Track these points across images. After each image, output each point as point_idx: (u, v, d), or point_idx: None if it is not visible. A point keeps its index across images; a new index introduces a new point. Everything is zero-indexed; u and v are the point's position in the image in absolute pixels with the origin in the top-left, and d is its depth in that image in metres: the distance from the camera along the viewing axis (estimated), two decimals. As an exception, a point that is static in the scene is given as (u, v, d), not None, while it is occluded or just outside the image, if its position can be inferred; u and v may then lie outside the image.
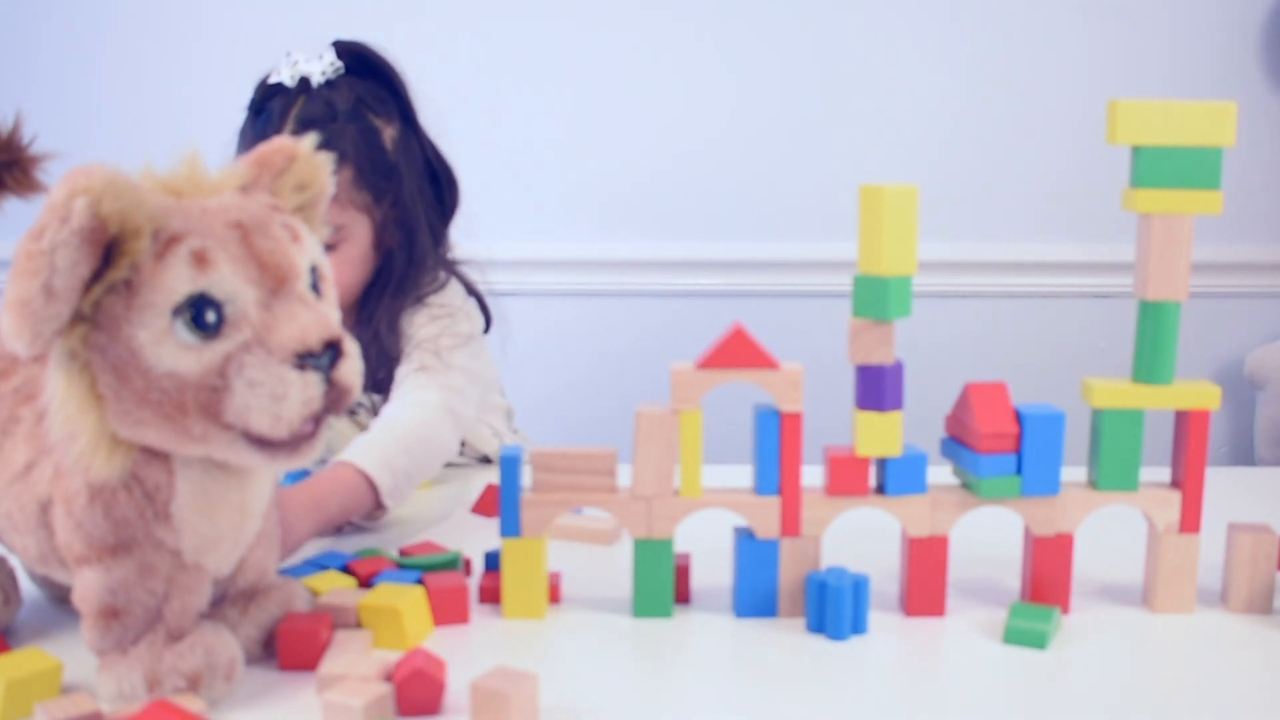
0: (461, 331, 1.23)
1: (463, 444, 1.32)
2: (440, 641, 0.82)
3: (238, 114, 1.27)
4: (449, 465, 1.31)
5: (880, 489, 0.86)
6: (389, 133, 1.22)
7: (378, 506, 1.03)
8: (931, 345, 2.08)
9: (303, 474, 1.12)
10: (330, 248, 1.17)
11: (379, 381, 1.22)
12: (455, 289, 1.28)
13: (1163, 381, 0.86)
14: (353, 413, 1.29)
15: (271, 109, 1.18)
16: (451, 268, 1.30)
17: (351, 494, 1.01)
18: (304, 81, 1.19)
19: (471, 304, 1.30)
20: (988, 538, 0.95)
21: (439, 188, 1.29)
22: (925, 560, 0.86)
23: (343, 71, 1.21)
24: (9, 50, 2.15)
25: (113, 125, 2.10)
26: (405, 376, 1.19)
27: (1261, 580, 0.88)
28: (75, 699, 0.69)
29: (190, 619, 0.74)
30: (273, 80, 1.20)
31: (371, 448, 1.04)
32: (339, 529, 1.06)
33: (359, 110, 1.20)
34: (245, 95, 1.26)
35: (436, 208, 1.29)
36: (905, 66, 2.12)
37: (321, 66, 1.19)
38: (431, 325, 1.22)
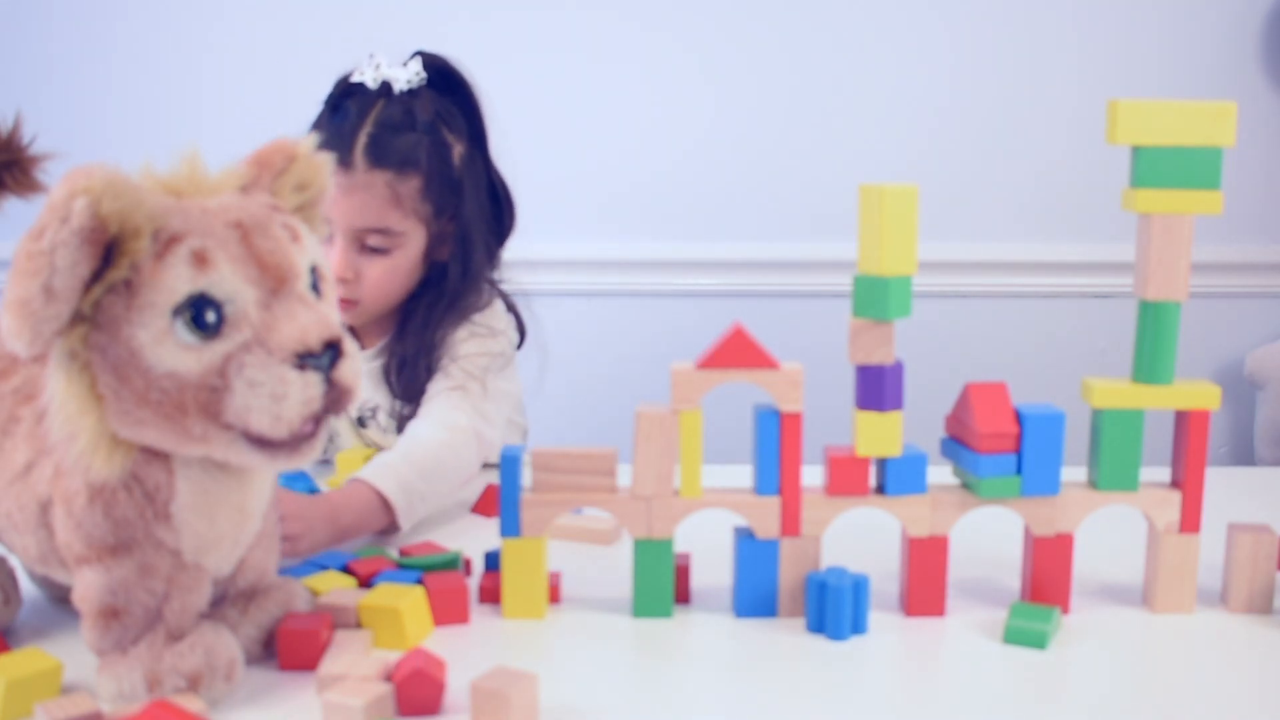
0: (499, 352, 1.24)
1: None
2: (440, 641, 0.82)
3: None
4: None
5: (880, 489, 0.86)
6: (458, 150, 1.23)
7: (393, 525, 1.03)
8: (931, 345, 2.08)
9: (301, 475, 1.12)
10: (384, 252, 1.19)
11: (408, 389, 1.23)
12: (498, 308, 1.29)
13: (1163, 381, 0.86)
14: (362, 424, 1.29)
15: (349, 107, 1.19)
16: (496, 285, 1.31)
17: (367, 512, 1.02)
18: (385, 85, 1.20)
19: (510, 322, 1.30)
20: (988, 538, 0.95)
21: (498, 209, 1.30)
22: (925, 560, 0.86)
23: (425, 83, 1.22)
24: (9, 50, 2.15)
25: (113, 125, 2.10)
26: (438, 393, 1.19)
27: (1261, 580, 0.88)
28: (75, 699, 0.69)
29: (190, 619, 0.74)
30: (354, 79, 1.21)
31: (392, 469, 1.04)
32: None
33: (435, 124, 1.21)
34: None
35: (494, 229, 1.29)
36: (906, 66, 2.12)
37: (407, 75, 1.21)
38: (471, 342, 1.23)
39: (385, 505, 1.02)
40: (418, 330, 1.23)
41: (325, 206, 0.78)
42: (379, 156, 1.17)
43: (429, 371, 1.22)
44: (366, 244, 1.19)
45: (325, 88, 1.25)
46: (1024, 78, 2.12)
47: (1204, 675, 0.79)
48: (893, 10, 2.10)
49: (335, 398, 0.68)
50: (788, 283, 2.16)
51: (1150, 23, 2.10)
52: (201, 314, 0.66)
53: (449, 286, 1.24)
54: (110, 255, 0.65)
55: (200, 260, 0.66)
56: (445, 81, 1.24)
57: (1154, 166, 0.83)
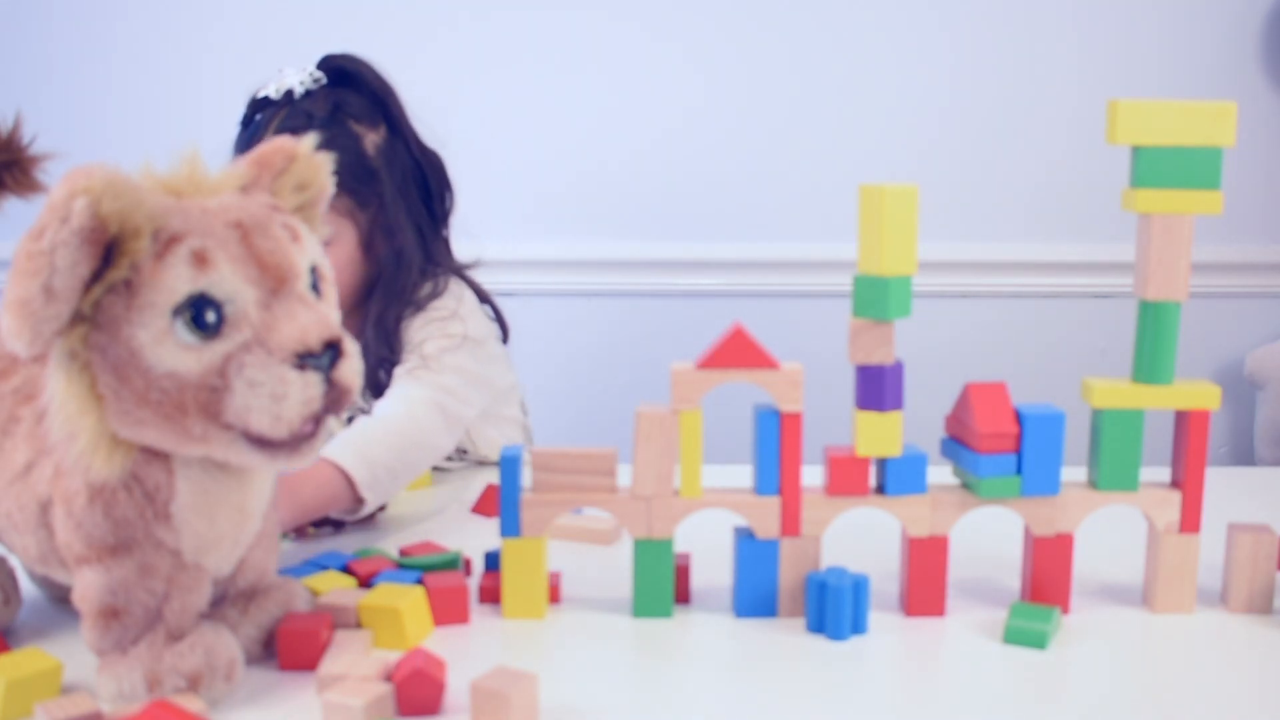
0: (455, 333, 1.24)
1: (464, 450, 1.32)
2: (440, 641, 0.82)
3: (239, 114, 1.28)
4: (450, 466, 1.31)
5: (880, 489, 0.86)
6: (371, 138, 1.26)
7: (357, 500, 1.03)
8: (931, 345, 2.08)
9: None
10: None
11: (377, 386, 1.23)
12: (456, 293, 1.29)
13: (1163, 381, 0.86)
14: (350, 419, 1.29)
15: (258, 122, 1.23)
16: (458, 272, 1.31)
17: (325, 485, 1.01)
18: (288, 94, 1.24)
19: (472, 308, 1.30)
20: (988, 538, 0.95)
21: (428, 192, 1.31)
22: (925, 560, 0.86)
23: (324, 83, 1.25)
24: (9, 50, 2.15)
25: (113, 125, 2.10)
26: (396, 378, 1.20)
27: (1261, 580, 0.88)
28: (75, 699, 0.69)
29: (190, 619, 0.74)
30: (260, 94, 1.25)
31: (347, 442, 1.05)
32: (324, 524, 1.05)
33: (336, 117, 1.24)
34: (247, 96, 1.27)
35: (426, 212, 1.30)
36: (906, 66, 2.12)
37: (300, 78, 1.25)
38: (427, 328, 1.24)
39: (346, 478, 1.02)
40: (375, 324, 1.25)
41: (325, 206, 0.79)
42: None
43: (392, 365, 1.23)
44: None
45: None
46: (1024, 78, 2.12)
47: (1204, 675, 0.79)
48: (893, 10, 2.10)
49: (335, 398, 0.68)
50: (788, 283, 2.16)
51: (1150, 23, 2.10)
52: (201, 314, 0.66)
53: (386, 273, 1.25)
54: (110, 255, 0.65)
55: (200, 260, 0.66)
56: (345, 77, 1.27)
57: (1154, 166, 0.83)
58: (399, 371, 1.21)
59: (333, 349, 0.68)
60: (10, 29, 2.14)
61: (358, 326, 1.27)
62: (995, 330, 2.19)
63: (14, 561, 0.85)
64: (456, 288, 1.30)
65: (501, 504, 0.85)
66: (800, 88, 2.12)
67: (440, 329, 1.24)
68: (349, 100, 1.26)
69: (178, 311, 0.66)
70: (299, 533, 1.04)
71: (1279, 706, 0.75)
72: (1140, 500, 0.87)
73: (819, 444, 0.89)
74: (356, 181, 1.23)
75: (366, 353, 1.22)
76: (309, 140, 0.77)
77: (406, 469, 1.09)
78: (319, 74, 1.26)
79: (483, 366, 1.26)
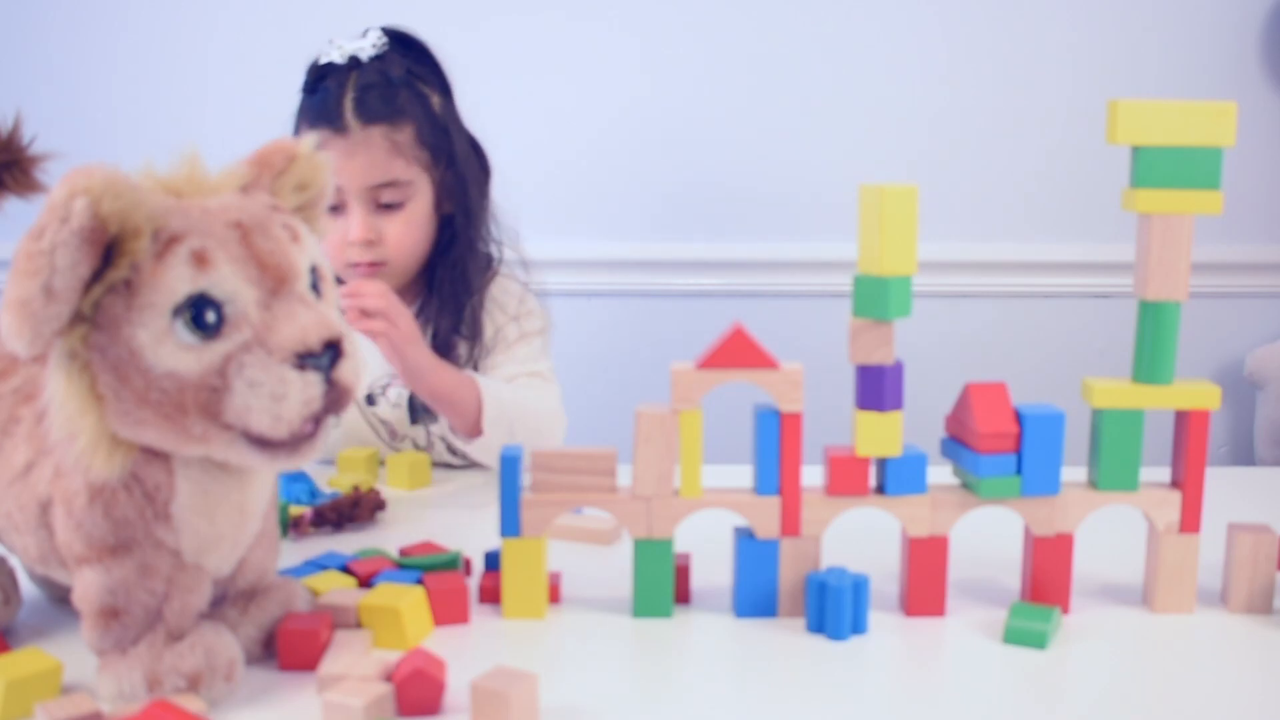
0: (533, 329, 1.36)
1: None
2: (440, 641, 0.82)
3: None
4: (449, 465, 1.31)
5: (880, 489, 0.86)
6: (435, 100, 1.32)
7: (475, 427, 1.16)
8: (931, 345, 2.08)
9: (301, 475, 1.12)
10: (398, 207, 1.27)
11: (439, 348, 1.29)
12: (519, 290, 1.39)
13: (1163, 381, 0.86)
14: (371, 402, 1.33)
15: (327, 85, 1.27)
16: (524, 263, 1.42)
17: (464, 388, 1.17)
18: (354, 58, 1.28)
19: (537, 302, 1.40)
20: (988, 538, 0.95)
21: (480, 168, 1.38)
22: (925, 560, 0.86)
23: (388, 48, 1.30)
24: (9, 50, 2.15)
25: (113, 125, 2.10)
26: (514, 378, 1.29)
27: (1261, 580, 0.88)
28: (75, 699, 0.69)
29: (190, 619, 0.74)
30: (324, 60, 1.29)
31: (493, 383, 1.19)
32: (323, 524, 1.05)
33: (409, 78, 1.29)
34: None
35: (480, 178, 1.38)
36: (905, 66, 2.12)
37: (369, 43, 1.30)
38: (507, 327, 1.34)
39: (479, 403, 1.15)
40: (444, 288, 1.31)
41: (325, 205, 0.79)
42: (369, 114, 1.25)
43: (456, 329, 1.31)
44: (381, 202, 1.26)
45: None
46: (1023, 77, 2.12)
47: (1204, 675, 0.79)
48: (893, 10, 2.10)
49: (335, 398, 0.68)
50: (788, 283, 2.16)
51: (1150, 23, 2.10)
52: (201, 314, 0.66)
53: (458, 231, 1.32)
54: (110, 255, 0.65)
55: (200, 260, 0.66)
56: (406, 45, 1.32)
57: (1154, 166, 0.83)
58: (508, 373, 1.29)
59: (333, 349, 0.68)
60: (10, 29, 2.14)
61: (422, 288, 1.34)
62: (995, 330, 2.19)
63: (14, 561, 0.85)
64: (513, 283, 1.39)
65: (502, 504, 0.85)
66: (800, 88, 2.12)
67: (517, 329, 1.34)
68: (415, 64, 1.31)
69: (178, 311, 0.66)
70: (299, 532, 1.04)
71: (1279, 706, 0.75)
72: (1140, 500, 0.87)
73: (819, 444, 0.89)
74: (434, 136, 1.29)
75: (435, 316, 1.32)
76: (309, 139, 0.77)
77: (521, 430, 1.18)
78: (384, 39, 1.30)
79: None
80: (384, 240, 1.26)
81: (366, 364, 1.28)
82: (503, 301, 1.35)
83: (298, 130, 1.30)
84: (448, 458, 1.31)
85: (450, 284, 1.31)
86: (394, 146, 1.25)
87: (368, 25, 1.32)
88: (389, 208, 1.26)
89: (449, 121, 1.32)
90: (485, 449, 1.17)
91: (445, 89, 1.34)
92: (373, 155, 1.24)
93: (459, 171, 1.31)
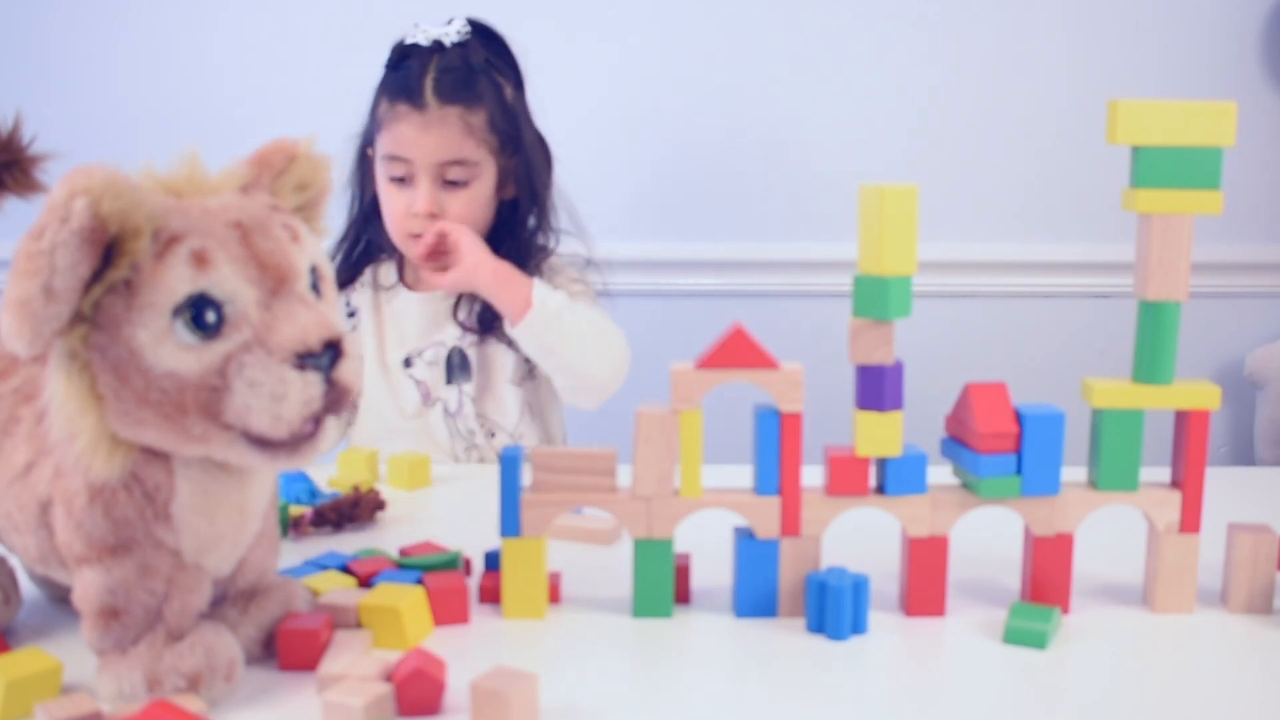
0: (588, 287, 1.44)
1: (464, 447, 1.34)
2: (440, 641, 0.82)
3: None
4: (448, 464, 1.32)
5: (880, 489, 0.86)
6: (509, 90, 1.39)
7: (524, 302, 1.24)
8: (931, 345, 2.08)
9: (301, 475, 1.12)
10: (463, 185, 1.34)
11: (481, 319, 1.37)
12: (570, 261, 1.46)
13: (1163, 381, 0.86)
14: (408, 364, 1.40)
15: (410, 64, 1.34)
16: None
17: (517, 277, 1.27)
18: (438, 42, 1.35)
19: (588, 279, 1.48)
20: (988, 538, 0.95)
21: (545, 159, 1.45)
22: (925, 560, 0.86)
23: (470, 36, 1.37)
24: (9, 50, 2.15)
25: (113, 125, 2.10)
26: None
27: (1261, 580, 0.88)
28: (75, 699, 0.69)
29: (190, 619, 0.74)
30: (409, 41, 1.36)
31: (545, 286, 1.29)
32: (323, 524, 1.04)
33: (487, 66, 1.36)
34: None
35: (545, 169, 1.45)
36: (906, 66, 2.11)
37: (454, 29, 1.36)
38: (562, 278, 1.41)
39: (529, 289, 1.25)
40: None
41: (326, 205, 0.79)
42: (448, 94, 1.32)
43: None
44: (447, 178, 1.33)
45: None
46: (1024, 77, 2.12)
47: (1204, 675, 0.79)
48: (893, 10, 2.10)
49: (335, 398, 0.68)
50: (788, 283, 2.16)
51: (1150, 23, 2.10)
52: (201, 314, 0.66)
53: (521, 215, 1.40)
54: (110, 255, 0.65)
55: (200, 260, 0.66)
56: (487, 35, 1.40)
57: (1154, 166, 0.83)
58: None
59: (333, 349, 0.68)
60: (10, 29, 2.14)
61: None
62: (995, 330, 2.19)
63: (14, 561, 0.85)
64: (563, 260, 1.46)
65: (502, 504, 0.85)
66: (800, 87, 2.12)
67: (574, 285, 1.41)
68: (493, 54, 1.38)
69: (178, 311, 0.66)
70: (299, 532, 1.04)
71: (1279, 706, 0.75)
72: (1140, 500, 0.87)
73: (819, 444, 0.89)
74: (506, 123, 1.36)
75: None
76: (310, 139, 0.77)
77: (573, 337, 1.26)
78: (467, 27, 1.37)
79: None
80: (446, 215, 1.33)
81: (403, 336, 1.34)
82: (554, 278, 1.41)
83: (377, 103, 1.37)
84: (473, 424, 1.35)
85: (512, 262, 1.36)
86: (467, 128, 1.33)
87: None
88: (454, 185, 1.33)
89: (519, 111, 1.39)
90: (532, 328, 1.25)
91: (519, 81, 1.41)
92: (446, 133, 1.31)
93: (525, 159, 1.38)
